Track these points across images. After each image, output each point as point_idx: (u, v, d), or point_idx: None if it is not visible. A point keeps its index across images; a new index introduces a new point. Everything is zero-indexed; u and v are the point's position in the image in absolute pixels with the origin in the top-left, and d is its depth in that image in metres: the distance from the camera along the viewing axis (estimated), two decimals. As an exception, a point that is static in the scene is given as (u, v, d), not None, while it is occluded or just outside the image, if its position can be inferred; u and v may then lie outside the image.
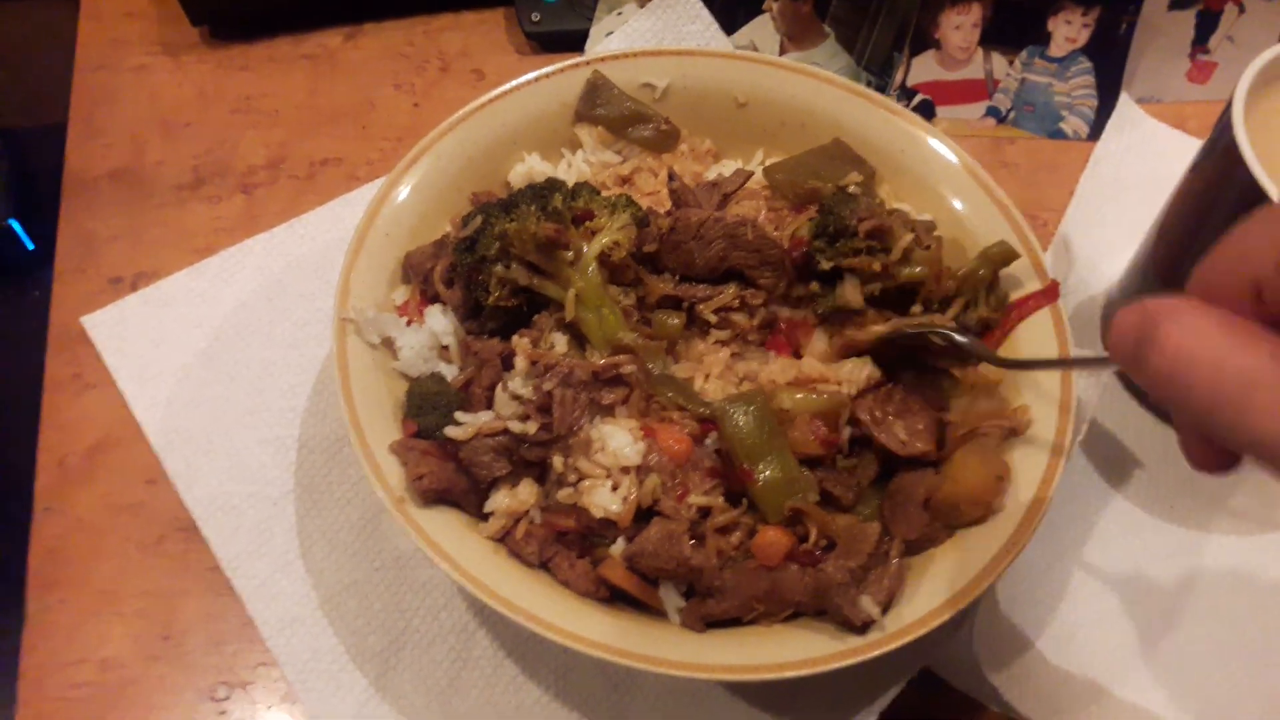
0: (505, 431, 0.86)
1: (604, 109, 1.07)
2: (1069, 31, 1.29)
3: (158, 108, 1.29)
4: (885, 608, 0.82)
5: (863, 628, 0.81)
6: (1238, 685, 0.97)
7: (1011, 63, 1.30)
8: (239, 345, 1.11)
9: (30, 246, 1.23)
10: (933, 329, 0.90)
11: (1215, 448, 0.58)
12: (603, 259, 0.90)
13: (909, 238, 0.91)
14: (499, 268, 0.90)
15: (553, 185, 0.92)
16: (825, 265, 0.91)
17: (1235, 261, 0.52)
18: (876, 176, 1.06)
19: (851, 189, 0.98)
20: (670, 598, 0.85)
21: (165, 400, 1.07)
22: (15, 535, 1.03)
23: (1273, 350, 0.46)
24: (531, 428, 0.85)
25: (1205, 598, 1.01)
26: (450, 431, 0.87)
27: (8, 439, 1.16)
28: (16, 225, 1.22)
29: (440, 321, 0.94)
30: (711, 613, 0.83)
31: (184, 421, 1.06)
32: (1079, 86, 1.31)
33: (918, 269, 0.91)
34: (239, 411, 1.07)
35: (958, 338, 0.89)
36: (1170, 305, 0.51)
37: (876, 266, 0.90)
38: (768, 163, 1.08)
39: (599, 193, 0.94)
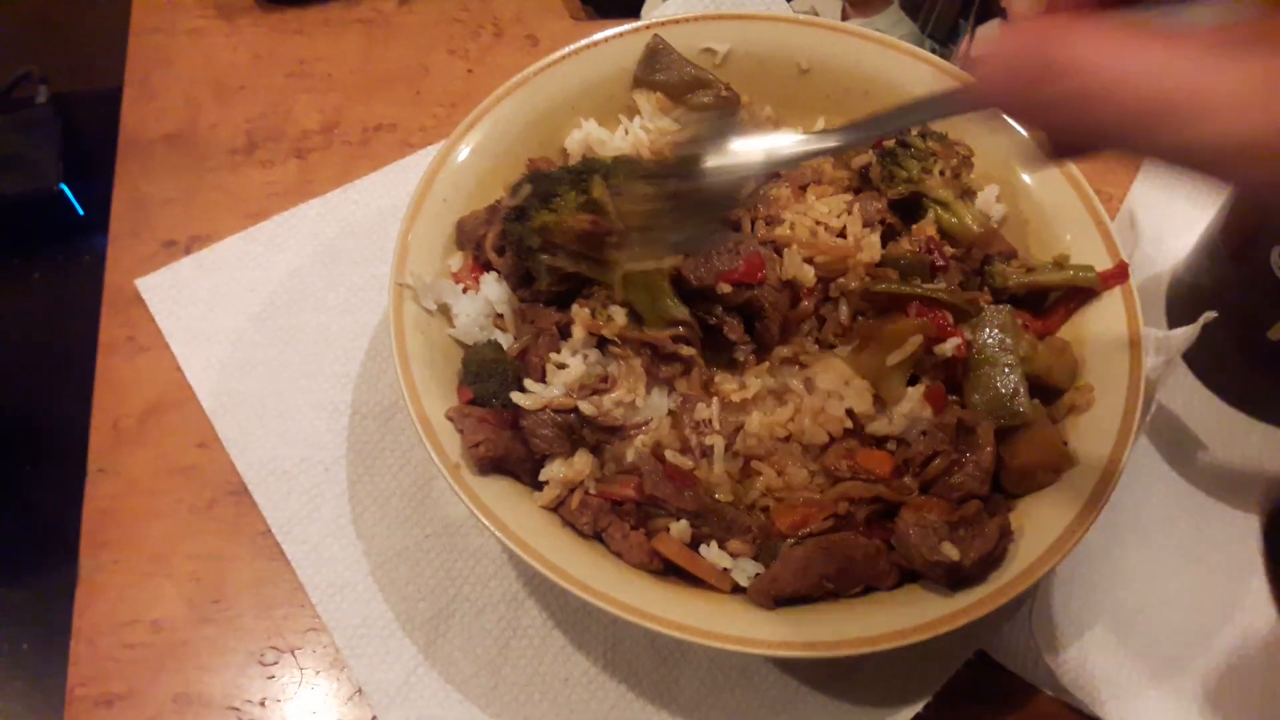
0: (574, 410, 0.85)
1: (663, 74, 1.05)
2: (1139, 2, 1.25)
3: (212, 71, 1.29)
4: (980, 565, 0.80)
5: (952, 583, 0.80)
6: (1304, 673, 0.94)
7: (1078, 34, 1.27)
8: (292, 310, 1.11)
9: (80, 212, 1.23)
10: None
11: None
12: None
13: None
14: (545, 257, 0.88)
15: (591, 167, 0.89)
16: (900, 189, 0.95)
17: None
18: (943, 147, 1.04)
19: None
20: (745, 566, 0.84)
21: (218, 364, 1.07)
22: (70, 496, 1.03)
23: (1198, 50, 0.43)
24: (601, 406, 0.85)
25: (1268, 583, 0.98)
26: (518, 398, 0.86)
27: (62, 401, 1.16)
28: (67, 190, 1.22)
29: (495, 289, 0.93)
30: (782, 591, 0.81)
31: (237, 385, 1.06)
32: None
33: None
34: (292, 376, 1.07)
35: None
36: (1060, 23, 0.47)
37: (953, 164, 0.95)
38: (829, 131, 1.06)
39: (639, 163, 0.91)
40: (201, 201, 1.19)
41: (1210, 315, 0.91)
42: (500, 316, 0.94)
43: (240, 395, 1.06)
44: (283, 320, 1.10)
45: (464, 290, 0.94)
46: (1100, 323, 0.93)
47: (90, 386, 1.08)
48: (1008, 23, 0.88)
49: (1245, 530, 1.01)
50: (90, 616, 0.96)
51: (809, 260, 0.91)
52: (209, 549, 0.99)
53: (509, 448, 0.85)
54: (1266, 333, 0.97)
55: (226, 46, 1.31)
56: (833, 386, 0.89)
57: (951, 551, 0.79)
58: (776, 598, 0.82)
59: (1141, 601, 0.98)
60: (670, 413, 0.87)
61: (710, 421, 0.86)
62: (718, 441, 0.85)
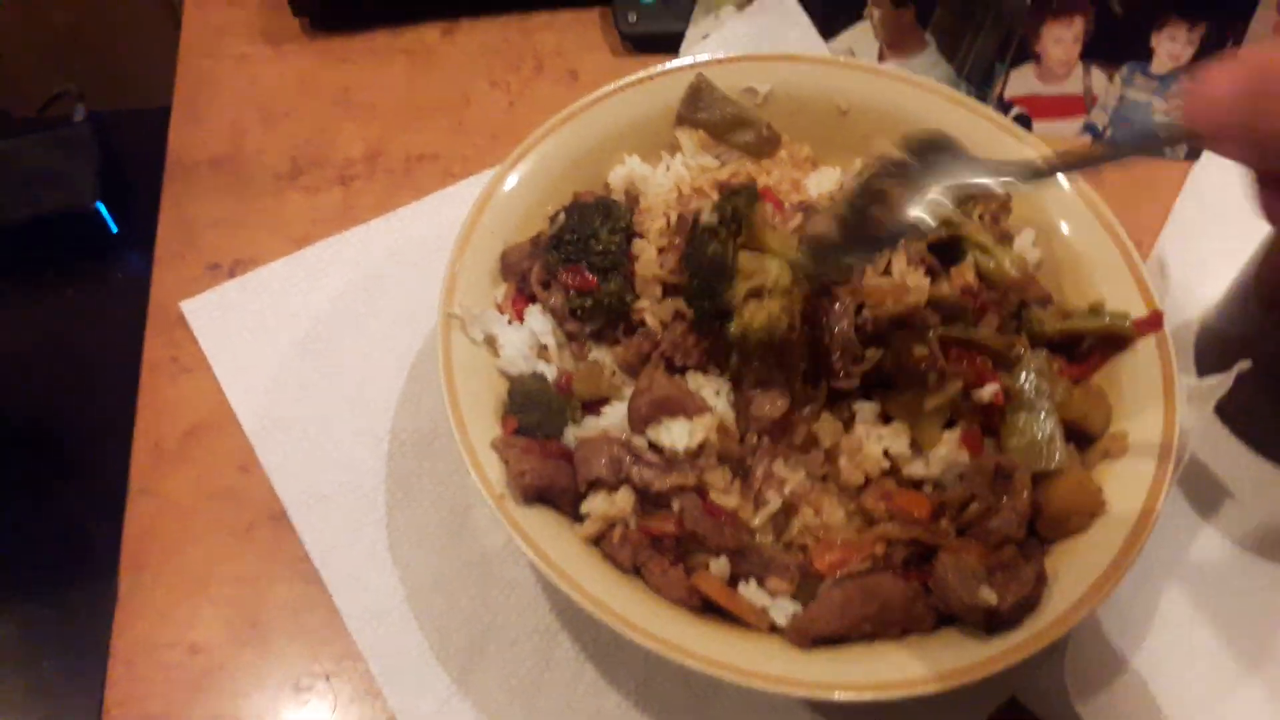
0: (627, 445, 0.86)
1: (706, 113, 1.06)
2: (1173, 49, 1.26)
3: (258, 96, 1.31)
4: (1016, 610, 0.81)
5: (989, 628, 0.81)
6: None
7: (1111, 78, 1.28)
8: (335, 336, 1.12)
9: (114, 230, 1.25)
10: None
11: None
12: None
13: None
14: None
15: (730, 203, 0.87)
16: (940, 231, 0.94)
17: None
18: (979, 190, 1.05)
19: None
20: (783, 606, 0.85)
21: (260, 388, 1.08)
22: (101, 515, 1.04)
23: None
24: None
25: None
26: (576, 429, 0.89)
27: (96, 418, 1.17)
28: (103, 208, 1.24)
29: (540, 321, 0.94)
30: (821, 632, 0.82)
31: (278, 410, 1.07)
32: (1181, 105, 1.28)
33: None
34: (333, 402, 1.08)
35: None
36: None
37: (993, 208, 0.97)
38: (868, 173, 1.07)
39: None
40: (246, 225, 1.20)
41: (1245, 365, 0.92)
42: (544, 348, 0.95)
43: (281, 420, 1.07)
44: (324, 346, 1.11)
45: (509, 321, 0.95)
46: (1134, 370, 0.93)
47: (126, 405, 1.09)
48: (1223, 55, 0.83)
49: (1276, 581, 1.02)
50: (129, 637, 0.97)
51: (860, 305, 0.91)
52: (247, 572, 1.00)
53: (553, 478, 0.86)
54: (1300, 383, 0.98)
55: (273, 73, 1.33)
56: (870, 428, 0.90)
57: (989, 595, 0.79)
58: (814, 638, 0.82)
59: (1170, 649, 0.98)
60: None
61: (784, 481, 0.87)
62: (775, 500, 0.87)
